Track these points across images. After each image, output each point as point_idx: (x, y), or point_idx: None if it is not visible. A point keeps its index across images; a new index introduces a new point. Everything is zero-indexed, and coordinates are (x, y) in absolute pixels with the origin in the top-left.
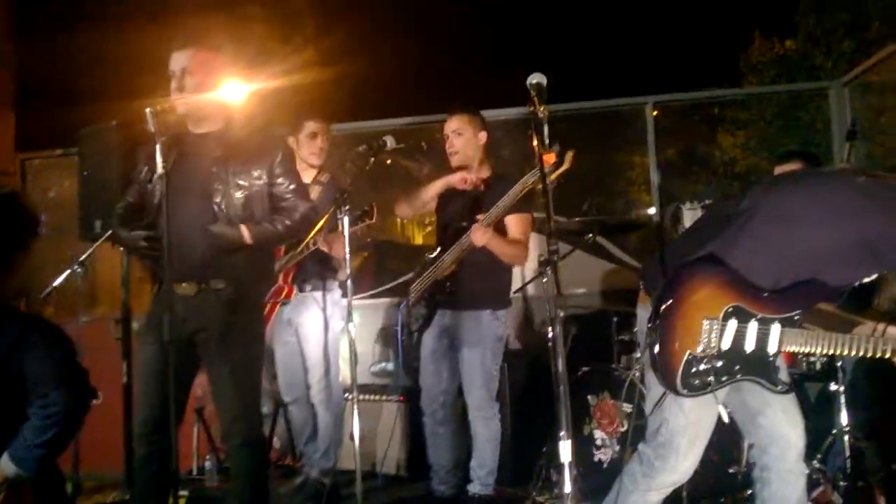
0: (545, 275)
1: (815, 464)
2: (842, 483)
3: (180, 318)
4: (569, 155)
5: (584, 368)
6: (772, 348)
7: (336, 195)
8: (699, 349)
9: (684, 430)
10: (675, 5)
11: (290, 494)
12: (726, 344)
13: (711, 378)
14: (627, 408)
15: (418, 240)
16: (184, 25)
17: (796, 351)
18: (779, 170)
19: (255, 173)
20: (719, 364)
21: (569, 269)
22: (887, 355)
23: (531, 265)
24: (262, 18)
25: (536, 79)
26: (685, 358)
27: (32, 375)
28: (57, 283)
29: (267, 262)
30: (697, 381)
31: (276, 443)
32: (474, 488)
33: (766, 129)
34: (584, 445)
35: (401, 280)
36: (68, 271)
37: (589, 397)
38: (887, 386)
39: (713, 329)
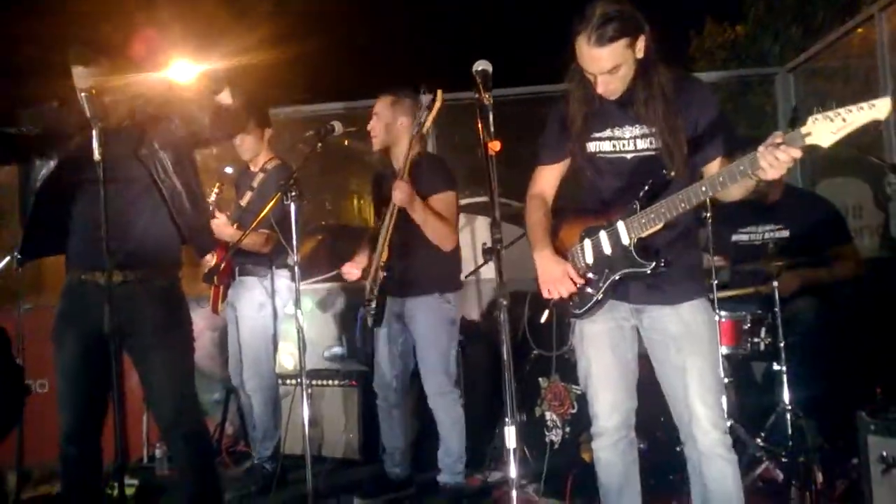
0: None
1: (759, 441)
2: (784, 459)
3: (102, 310)
4: (439, 93)
5: (535, 352)
6: (625, 240)
7: (281, 181)
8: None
9: (589, 365)
10: None
11: (239, 479)
12: (589, 258)
13: (590, 289)
14: (577, 390)
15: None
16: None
17: (650, 231)
18: None
19: (173, 126)
20: (592, 275)
21: (523, 252)
22: (748, 173)
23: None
24: None
25: (482, 66)
26: None
27: None
28: None
29: (178, 247)
30: (583, 298)
31: (229, 428)
32: (443, 478)
33: None
34: (535, 427)
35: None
36: (7, 258)
37: (540, 379)
38: (826, 364)
39: (576, 253)
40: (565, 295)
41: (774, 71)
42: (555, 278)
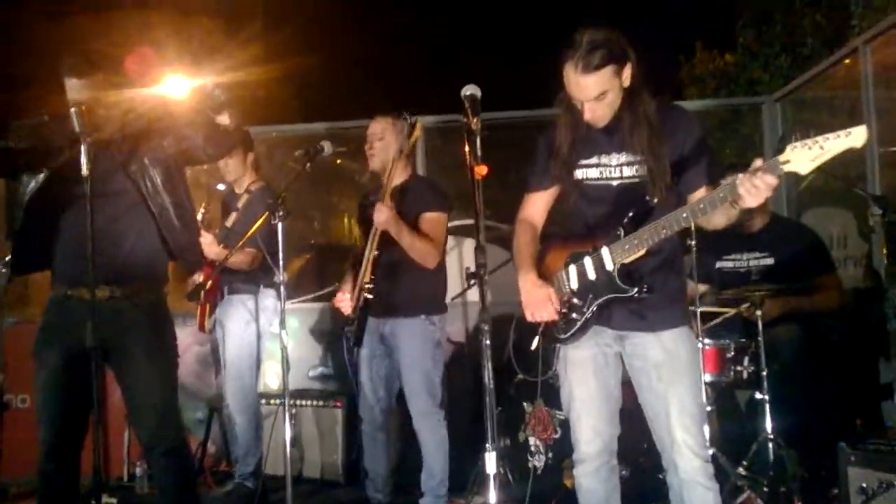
0: (472, 286)
1: (741, 470)
2: (765, 489)
3: (86, 325)
4: (417, 126)
5: (519, 376)
6: (609, 266)
7: (269, 200)
8: (558, 297)
9: (572, 391)
10: (618, 16)
11: (221, 499)
12: (574, 283)
13: (575, 314)
14: (561, 415)
15: None
16: (121, 18)
17: (633, 257)
18: None
19: (164, 143)
20: (576, 301)
21: (511, 276)
22: (728, 200)
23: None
24: (208, 12)
25: (470, 90)
26: None
27: None
28: None
29: (165, 263)
30: (568, 323)
31: (211, 448)
32: (426, 502)
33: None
34: (519, 452)
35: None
36: None
37: (524, 404)
38: (808, 394)
39: (561, 279)
40: (546, 319)
41: (762, 100)
42: (537, 302)
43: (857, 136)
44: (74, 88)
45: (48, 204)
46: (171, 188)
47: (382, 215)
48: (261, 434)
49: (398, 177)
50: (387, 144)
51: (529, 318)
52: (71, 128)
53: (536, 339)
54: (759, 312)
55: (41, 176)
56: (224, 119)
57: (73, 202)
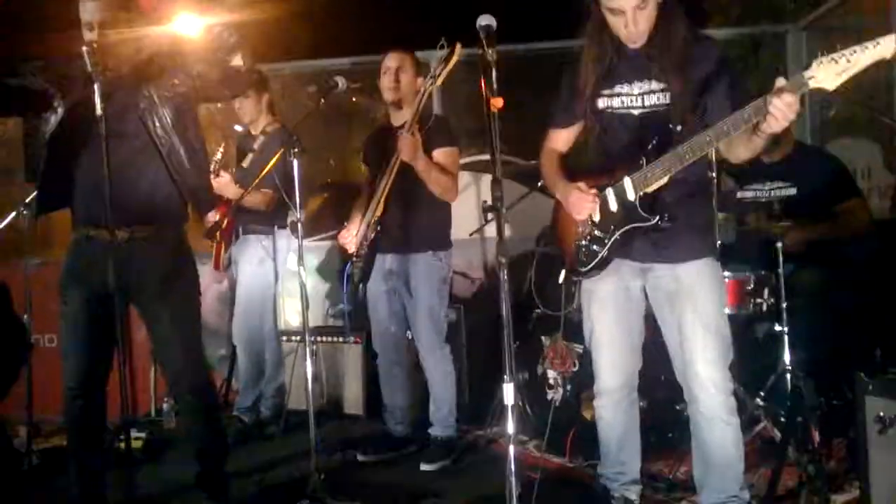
0: (490, 220)
1: (759, 401)
2: (782, 419)
3: (108, 267)
4: (457, 47)
5: (538, 311)
6: (630, 195)
7: (284, 139)
8: (580, 230)
9: (593, 325)
10: None
11: None
12: (596, 216)
13: (596, 246)
14: (579, 348)
15: None
16: None
17: (655, 185)
18: None
19: (175, 81)
20: (598, 232)
21: (528, 211)
22: (751, 122)
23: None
24: None
25: (485, 21)
26: (575, 242)
27: None
28: (1, 225)
29: (184, 204)
30: (589, 255)
31: (235, 384)
32: (435, 431)
33: None
34: (537, 385)
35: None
36: (13, 214)
37: (542, 338)
38: (828, 326)
39: None
40: (593, 212)
41: (786, 28)
42: (577, 200)
43: (886, 46)
44: (89, 10)
45: (67, 143)
46: (180, 129)
47: (411, 146)
48: (266, 371)
49: (409, 113)
50: (409, 80)
51: (577, 217)
52: (83, 66)
53: (563, 272)
54: (779, 245)
55: (60, 112)
56: (237, 61)
57: (89, 142)
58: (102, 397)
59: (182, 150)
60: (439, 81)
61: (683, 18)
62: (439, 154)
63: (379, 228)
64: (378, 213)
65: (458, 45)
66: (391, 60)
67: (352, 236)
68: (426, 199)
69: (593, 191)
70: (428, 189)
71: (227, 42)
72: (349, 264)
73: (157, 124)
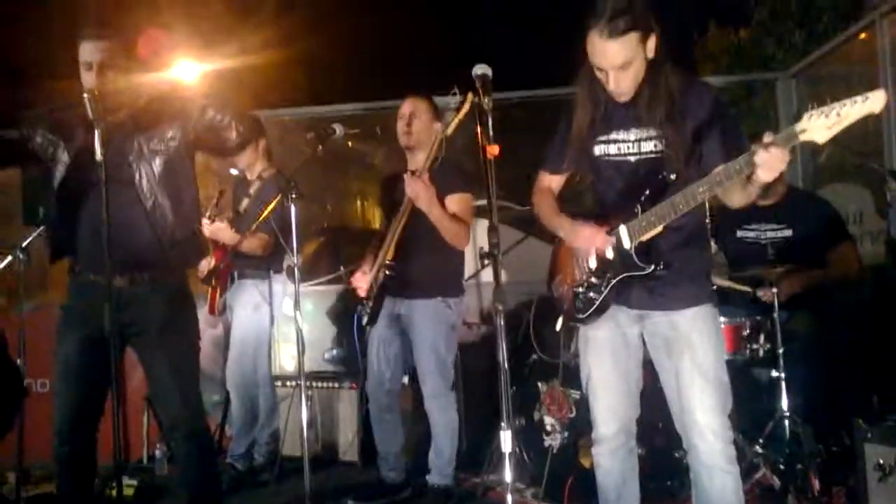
0: (486, 266)
1: (757, 448)
2: (781, 466)
3: (107, 312)
4: (468, 96)
5: (534, 357)
6: (626, 243)
7: (281, 185)
8: (578, 277)
9: (590, 371)
10: None
11: None
12: (593, 262)
13: (593, 294)
14: (576, 394)
15: (377, 225)
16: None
17: (650, 234)
18: None
19: (169, 134)
20: (595, 280)
21: (524, 256)
22: (743, 173)
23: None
24: None
25: (481, 70)
26: (572, 290)
27: None
28: None
29: (192, 250)
30: (586, 302)
31: (229, 430)
32: (433, 479)
33: None
34: (534, 431)
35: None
36: (9, 258)
37: (539, 384)
38: (825, 372)
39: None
40: (605, 244)
41: (776, 76)
42: (588, 235)
43: (875, 102)
44: (88, 51)
45: (71, 190)
46: (168, 182)
47: (422, 189)
48: (261, 417)
49: (423, 158)
50: (424, 125)
51: (591, 248)
52: (84, 115)
53: (560, 319)
54: (774, 290)
55: (66, 158)
56: (232, 134)
57: (91, 188)
58: (93, 442)
59: (167, 204)
60: (450, 130)
61: (674, 71)
62: (453, 200)
63: (387, 272)
64: (389, 256)
65: (470, 95)
66: (405, 106)
67: (363, 279)
68: (438, 245)
69: (588, 223)
70: (440, 234)
71: (221, 124)
72: (359, 307)
73: (144, 178)
